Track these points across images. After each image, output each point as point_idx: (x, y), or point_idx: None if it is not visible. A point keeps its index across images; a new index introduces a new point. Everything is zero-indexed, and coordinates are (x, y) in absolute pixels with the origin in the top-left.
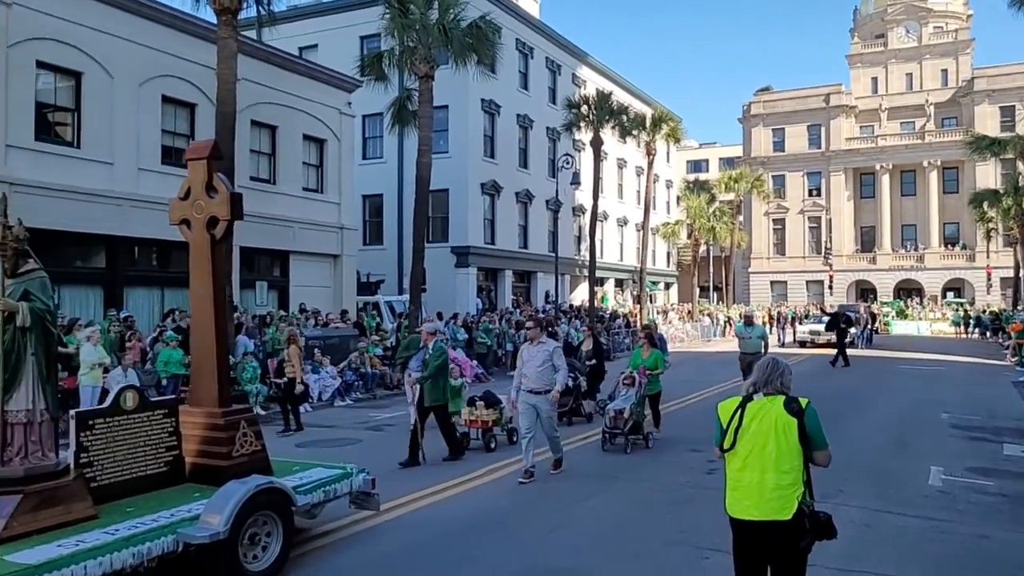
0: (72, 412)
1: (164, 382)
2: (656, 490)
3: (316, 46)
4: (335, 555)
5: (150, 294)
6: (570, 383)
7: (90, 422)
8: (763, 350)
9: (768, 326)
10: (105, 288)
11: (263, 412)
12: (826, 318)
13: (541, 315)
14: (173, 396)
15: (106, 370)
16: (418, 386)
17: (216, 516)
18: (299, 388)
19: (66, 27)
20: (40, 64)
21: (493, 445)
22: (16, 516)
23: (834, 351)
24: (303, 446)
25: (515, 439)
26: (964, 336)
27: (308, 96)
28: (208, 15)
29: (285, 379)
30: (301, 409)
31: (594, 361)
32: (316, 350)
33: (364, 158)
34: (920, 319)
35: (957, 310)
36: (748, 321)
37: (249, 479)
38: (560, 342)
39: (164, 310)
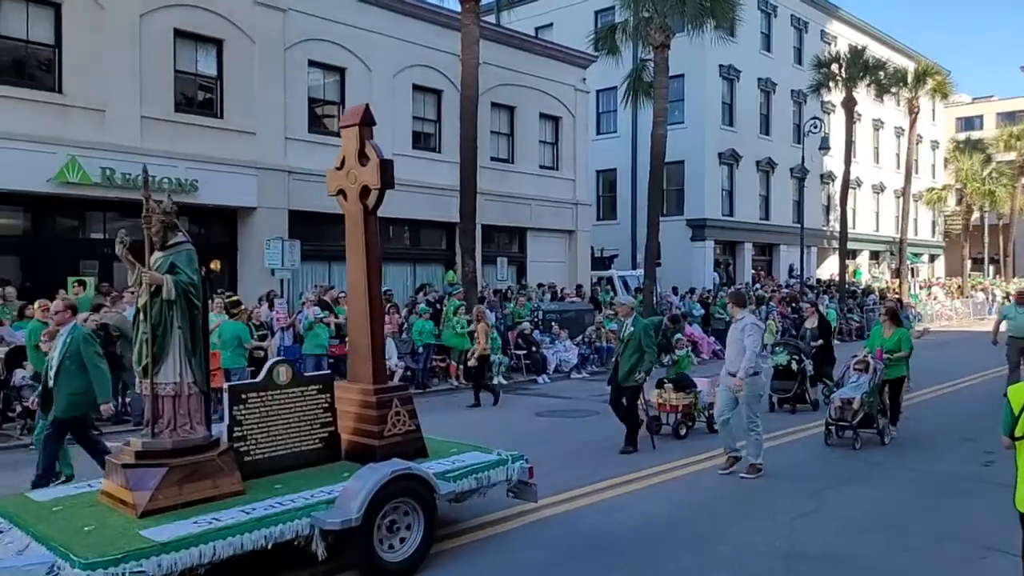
0: (225, 385)
1: (420, 350)
2: (923, 481)
3: (551, 25)
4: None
5: (403, 269)
6: (794, 366)
7: (243, 396)
8: None
9: None
10: None
11: (505, 382)
12: None
13: (743, 287)
14: (328, 372)
15: None
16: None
17: (350, 502)
18: (471, 362)
19: (331, 27)
20: (311, 63)
21: (684, 432)
22: (161, 489)
23: None
24: (543, 415)
25: (716, 427)
26: None
27: (544, 75)
28: (452, 3)
29: (475, 357)
30: (540, 380)
31: (821, 341)
32: (553, 323)
33: (598, 133)
34: None
35: None
36: (1021, 299)
37: (386, 464)
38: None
39: (416, 284)
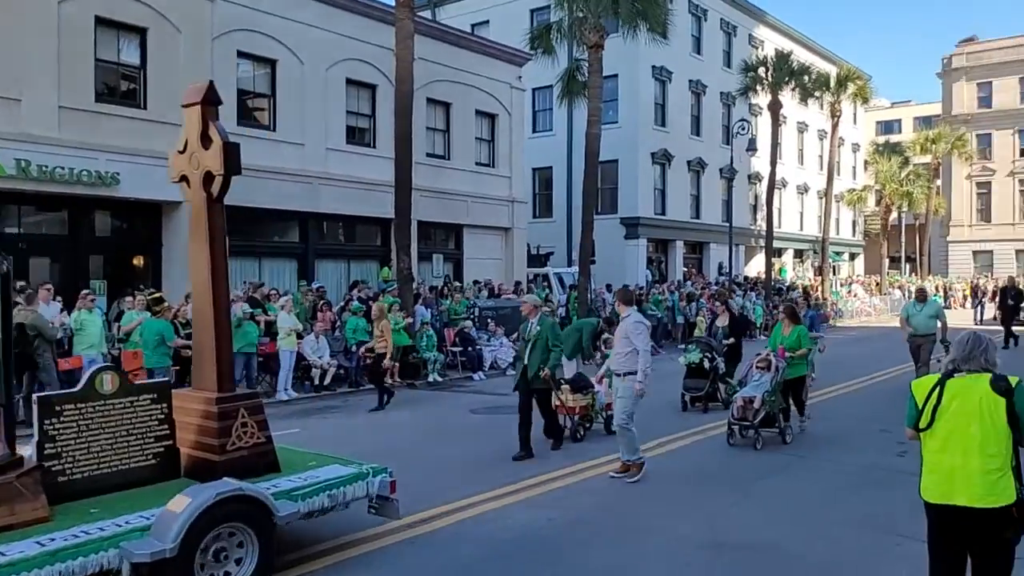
0: (35, 397)
1: (354, 348)
2: (843, 471)
3: (487, 22)
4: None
5: (337, 266)
6: (707, 365)
7: (57, 408)
8: (940, 332)
9: (971, 300)
10: (298, 260)
11: (440, 379)
12: None
13: (629, 288)
14: (165, 379)
15: (300, 336)
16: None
17: (166, 529)
18: (387, 364)
19: (261, 18)
20: (240, 54)
21: (582, 434)
22: None
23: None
24: (478, 412)
25: (612, 429)
26: None
27: (480, 72)
28: None
29: (374, 355)
30: (476, 377)
31: (732, 340)
32: (490, 320)
33: (534, 131)
34: None
35: None
36: (921, 297)
37: (211, 485)
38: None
39: (350, 281)
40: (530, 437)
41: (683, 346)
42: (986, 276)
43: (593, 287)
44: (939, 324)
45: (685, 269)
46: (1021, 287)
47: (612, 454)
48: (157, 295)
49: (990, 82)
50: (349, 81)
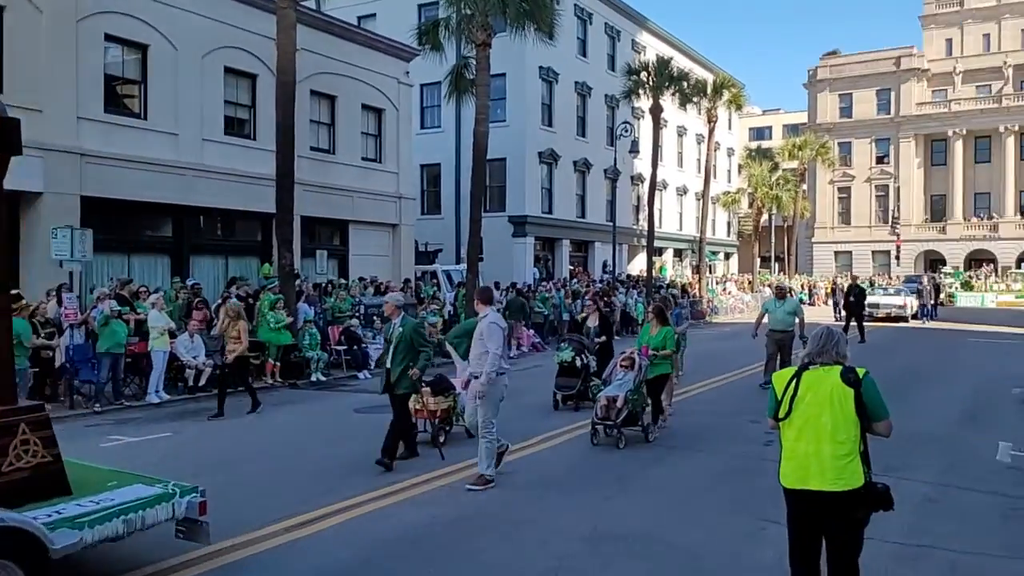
0: None
1: None
2: (714, 461)
3: (374, 15)
4: None
5: (215, 262)
6: (578, 363)
7: None
8: (799, 328)
9: (830, 298)
10: (172, 256)
11: (324, 378)
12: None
13: (489, 287)
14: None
15: (173, 335)
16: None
17: None
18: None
19: (132, 0)
20: (108, 37)
21: (443, 439)
22: None
23: (895, 324)
24: (361, 411)
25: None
26: None
27: (367, 66)
28: None
29: (230, 358)
30: (361, 376)
31: (603, 338)
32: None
33: (422, 127)
34: (985, 291)
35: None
36: (780, 294)
37: None
38: (616, 313)
39: (228, 278)
40: (412, 437)
41: (555, 344)
42: (845, 275)
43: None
44: (797, 320)
45: (571, 267)
46: (863, 286)
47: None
48: (14, 292)
49: (850, 94)
50: (227, 70)
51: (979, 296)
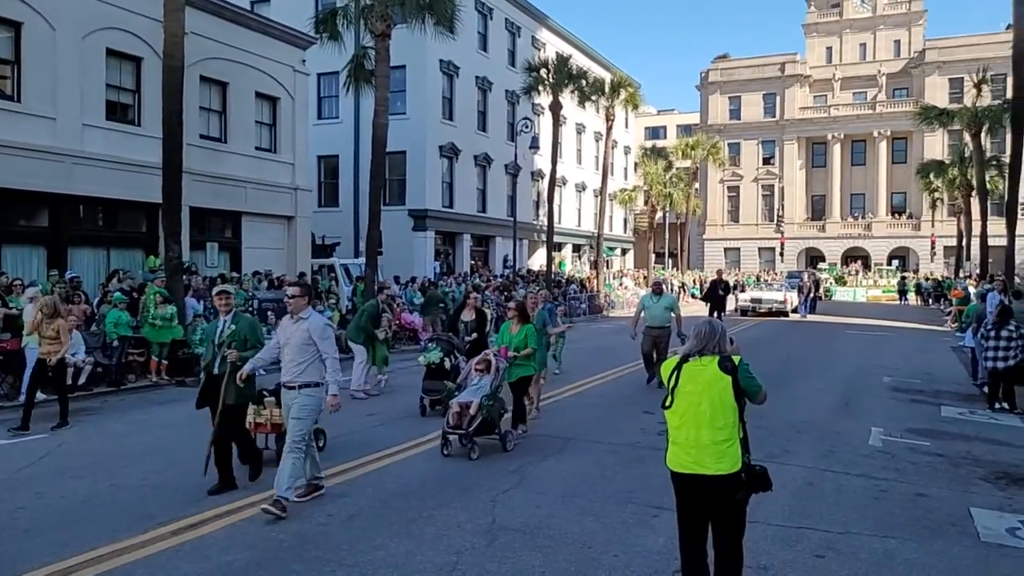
0: None
1: (115, 343)
2: (608, 452)
3: (268, 1)
4: None
5: (95, 255)
6: (448, 364)
7: None
8: (675, 323)
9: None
10: (48, 248)
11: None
12: (779, 283)
13: (305, 277)
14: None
15: None
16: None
17: None
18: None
19: None
20: None
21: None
22: None
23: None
24: None
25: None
26: (902, 303)
27: (260, 52)
28: None
29: (52, 360)
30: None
31: (475, 335)
32: (269, 312)
33: (319, 118)
34: (857, 286)
35: (894, 277)
36: (657, 289)
37: None
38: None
39: (110, 271)
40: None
41: (423, 344)
42: (733, 271)
43: (380, 279)
44: (674, 316)
45: (472, 262)
46: (729, 280)
47: (390, 447)
48: None
49: (739, 96)
50: (110, 52)
51: (851, 291)
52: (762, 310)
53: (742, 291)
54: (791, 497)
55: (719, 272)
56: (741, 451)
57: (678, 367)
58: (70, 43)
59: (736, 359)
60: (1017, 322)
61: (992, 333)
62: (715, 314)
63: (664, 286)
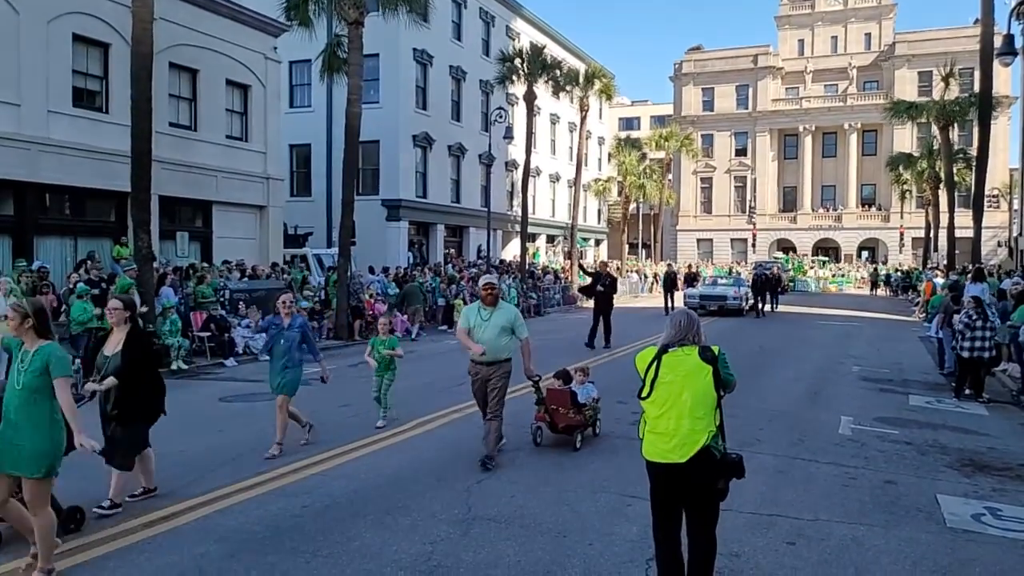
0: None
1: (80, 336)
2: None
3: None
4: None
5: (63, 244)
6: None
7: None
8: (524, 356)
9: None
10: (13, 237)
11: (185, 367)
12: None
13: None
14: None
15: None
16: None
17: None
18: None
19: None
20: None
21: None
22: None
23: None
24: (228, 400)
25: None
26: (871, 294)
27: (231, 39)
28: None
29: None
30: (227, 363)
31: None
32: (241, 303)
33: (291, 106)
34: (819, 277)
35: (864, 268)
36: (489, 296)
37: None
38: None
39: (77, 260)
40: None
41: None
42: (703, 262)
43: (354, 269)
44: (519, 343)
45: (446, 252)
46: (695, 271)
47: (364, 437)
48: None
49: (712, 88)
50: (76, 37)
51: (813, 281)
52: (712, 308)
53: (690, 285)
54: (762, 485)
55: (668, 264)
56: (718, 439)
57: (657, 357)
58: (34, 28)
59: (715, 349)
60: (988, 312)
61: (979, 323)
62: (666, 303)
63: (499, 285)
